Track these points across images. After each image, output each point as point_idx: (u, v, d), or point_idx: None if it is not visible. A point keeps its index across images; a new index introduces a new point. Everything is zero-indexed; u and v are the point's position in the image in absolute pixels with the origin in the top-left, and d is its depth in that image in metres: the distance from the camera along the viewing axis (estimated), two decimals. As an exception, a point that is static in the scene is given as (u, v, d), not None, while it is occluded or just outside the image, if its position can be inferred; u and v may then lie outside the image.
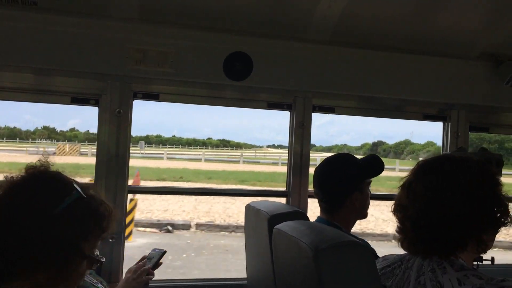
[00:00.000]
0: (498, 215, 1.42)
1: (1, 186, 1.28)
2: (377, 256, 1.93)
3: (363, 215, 2.29)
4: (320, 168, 2.30)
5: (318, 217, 2.30)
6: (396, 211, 1.52)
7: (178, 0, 2.35)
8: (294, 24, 2.55)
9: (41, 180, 1.30)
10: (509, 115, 3.02)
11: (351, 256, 1.38)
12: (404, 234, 1.48)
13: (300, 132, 2.76)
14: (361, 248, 1.39)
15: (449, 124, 3.02)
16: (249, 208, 2.43)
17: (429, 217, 1.41)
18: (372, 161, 2.32)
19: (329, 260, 1.35)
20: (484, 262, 2.16)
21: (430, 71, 2.80)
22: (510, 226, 1.44)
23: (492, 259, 2.28)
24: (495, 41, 2.74)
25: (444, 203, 1.40)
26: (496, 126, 3.17)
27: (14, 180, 1.29)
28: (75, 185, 1.31)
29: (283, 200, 2.81)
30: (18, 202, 1.23)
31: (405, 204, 1.46)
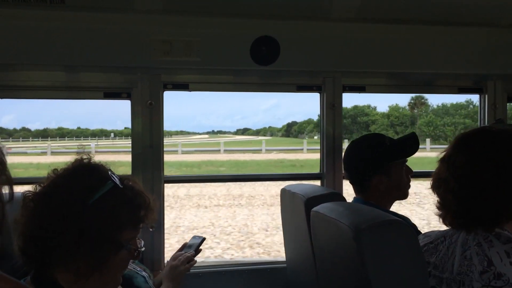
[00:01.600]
0: None
1: (48, 178, 1.33)
2: (419, 232, 1.91)
3: (401, 195, 2.25)
4: (346, 150, 2.33)
5: (354, 197, 2.29)
6: (435, 186, 1.51)
7: None
8: (318, 4, 2.50)
9: (79, 172, 1.33)
10: None
11: (392, 235, 1.37)
12: (446, 209, 1.47)
13: (332, 113, 2.73)
14: (402, 225, 1.38)
15: (486, 96, 2.92)
16: (284, 192, 2.43)
17: (471, 188, 1.40)
18: (403, 141, 2.29)
19: (370, 239, 1.34)
20: None
21: (461, 42, 2.71)
22: None
23: None
24: None
25: (484, 173, 1.39)
26: None
27: (58, 172, 1.33)
28: (112, 176, 1.33)
29: (317, 183, 2.80)
30: (57, 193, 1.28)
31: (446, 177, 1.45)
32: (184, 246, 2.32)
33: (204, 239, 2.34)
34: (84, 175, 1.32)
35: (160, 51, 2.41)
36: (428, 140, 31.13)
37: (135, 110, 2.53)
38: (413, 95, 36.99)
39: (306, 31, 2.56)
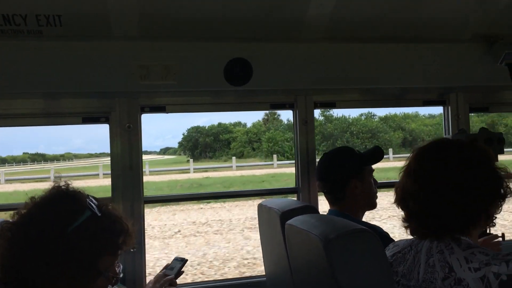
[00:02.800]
0: (498, 187, 1.50)
1: (26, 205, 1.36)
2: (391, 239, 2.00)
3: (371, 204, 2.39)
4: (320, 162, 2.48)
5: (330, 209, 2.41)
6: (402, 200, 1.57)
7: (174, 15, 2.44)
8: (288, 25, 2.62)
9: (57, 200, 1.35)
10: (506, 93, 3.07)
11: (360, 243, 1.44)
12: (414, 220, 1.53)
13: (304, 129, 2.84)
14: (369, 234, 1.45)
15: (449, 107, 3.07)
16: (261, 207, 2.51)
17: (439, 199, 1.46)
18: (371, 149, 2.48)
19: (339, 248, 1.42)
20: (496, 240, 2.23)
21: (425, 57, 2.84)
22: (509, 197, 1.53)
23: (503, 235, 2.35)
24: (485, 22, 2.78)
25: (452, 185, 1.46)
26: (495, 105, 3.21)
27: (35, 200, 1.36)
28: (90, 203, 1.35)
29: (294, 197, 2.89)
30: (34, 223, 1.29)
31: (414, 190, 1.51)
32: (166, 268, 2.33)
33: (186, 260, 2.34)
34: (61, 204, 1.34)
35: (138, 75, 2.48)
36: (275, 156, 30.24)
37: (114, 133, 2.59)
38: (268, 111, 35.58)
39: (277, 52, 2.66)
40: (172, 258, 2.38)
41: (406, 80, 2.86)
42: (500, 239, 2.29)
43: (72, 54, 2.40)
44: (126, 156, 2.59)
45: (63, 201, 1.35)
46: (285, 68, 2.67)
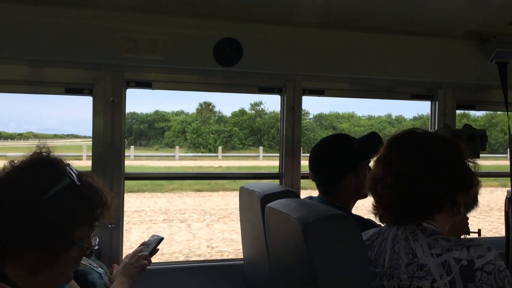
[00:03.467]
0: (464, 178, 1.52)
1: (4, 169, 1.32)
2: (377, 225, 1.98)
3: (363, 195, 2.25)
4: (314, 151, 2.29)
5: (320, 198, 2.27)
6: (372, 187, 1.58)
7: None
8: (282, 9, 2.59)
9: (36, 165, 1.32)
10: (494, 92, 3.08)
11: (338, 228, 1.44)
12: (383, 206, 1.55)
13: (291, 115, 2.82)
14: (348, 220, 1.45)
15: (437, 102, 3.08)
16: (242, 190, 2.50)
17: (405, 183, 1.49)
18: (367, 140, 2.28)
19: (317, 232, 1.41)
20: (471, 235, 2.25)
21: (417, 51, 2.85)
22: (477, 186, 1.57)
23: (479, 231, 2.38)
24: (479, 19, 2.79)
25: (416, 169, 1.49)
26: (482, 103, 3.24)
27: (14, 164, 1.32)
28: (70, 171, 1.32)
29: (276, 182, 2.88)
30: (11, 186, 1.26)
31: (383, 175, 1.53)
32: (143, 245, 2.34)
33: (162, 238, 2.36)
34: (41, 169, 1.31)
35: (124, 48, 2.43)
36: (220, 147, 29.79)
37: (97, 107, 2.54)
38: (202, 101, 35.00)
39: (268, 35, 2.63)
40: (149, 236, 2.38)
41: (395, 73, 2.86)
42: (476, 235, 2.31)
43: (58, 21, 2.33)
44: (108, 131, 2.54)
45: (42, 167, 1.32)
46: (275, 51, 2.65)
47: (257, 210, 2.16)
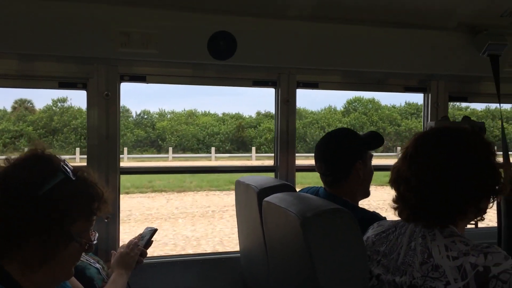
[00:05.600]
0: (493, 183, 1.48)
1: (0, 166, 1.32)
2: (383, 218, 2.01)
3: (366, 192, 2.30)
4: (322, 142, 2.32)
5: (325, 191, 2.29)
6: (395, 182, 1.55)
7: None
8: (276, 2, 2.58)
9: (31, 162, 1.32)
10: (486, 84, 3.11)
11: (336, 223, 1.45)
12: (404, 204, 1.52)
13: (286, 108, 2.82)
14: (346, 214, 1.46)
15: (429, 94, 3.10)
16: (238, 184, 2.51)
17: (432, 187, 1.45)
18: (371, 135, 2.37)
19: (316, 227, 1.43)
20: (468, 226, 2.29)
21: (410, 43, 2.85)
22: (504, 194, 1.51)
23: (476, 223, 2.41)
24: (471, 12, 2.79)
25: (446, 173, 1.44)
26: (474, 95, 3.26)
27: (11, 161, 1.32)
28: (64, 167, 1.32)
29: (271, 175, 2.89)
30: (6, 183, 1.26)
31: (408, 176, 1.49)
32: (138, 237, 2.35)
33: (155, 230, 2.38)
34: (34, 165, 1.31)
35: (118, 42, 2.41)
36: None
37: (91, 101, 2.52)
38: (17, 98, 29.53)
39: (262, 28, 2.62)
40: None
41: (387, 65, 2.86)
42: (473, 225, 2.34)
43: (50, 14, 2.30)
44: (103, 125, 2.53)
45: (36, 163, 1.32)
46: (270, 45, 2.64)
47: (253, 204, 2.17)
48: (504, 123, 2.85)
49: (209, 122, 30.48)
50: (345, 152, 2.25)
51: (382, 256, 1.54)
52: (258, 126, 30.28)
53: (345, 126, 23.62)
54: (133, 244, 2.23)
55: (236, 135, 30.24)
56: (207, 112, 32.11)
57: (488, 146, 1.52)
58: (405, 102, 31.87)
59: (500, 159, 1.56)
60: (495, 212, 2.69)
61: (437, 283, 1.35)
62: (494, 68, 2.81)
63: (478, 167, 1.46)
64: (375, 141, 2.33)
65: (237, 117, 31.41)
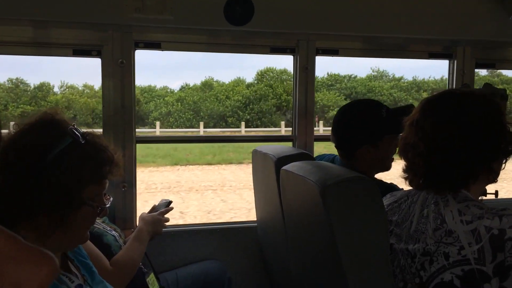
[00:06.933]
0: (504, 143, 1.44)
1: (9, 133, 1.30)
2: (399, 188, 1.93)
3: (384, 168, 2.16)
4: (339, 112, 2.18)
5: (339, 158, 2.21)
6: (403, 151, 1.53)
7: None
8: None
9: (39, 127, 1.30)
10: None
11: (357, 191, 1.40)
12: (414, 172, 1.50)
13: (304, 76, 2.74)
14: (367, 182, 1.41)
15: (455, 61, 2.98)
16: (256, 153, 2.47)
17: (440, 152, 1.42)
18: (401, 112, 1.95)
19: (336, 195, 1.38)
20: (488, 196, 2.22)
21: (434, 7, 2.73)
22: None
23: (496, 192, 2.33)
24: None
25: (453, 136, 1.41)
26: (502, 62, 3.12)
27: (21, 126, 1.30)
28: (72, 130, 1.29)
29: (289, 144, 2.85)
30: (15, 145, 1.25)
31: (415, 142, 1.47)
32: (153, 209, 2.40)
33: (170, 202, 2.42)
34: (43, 130, 1.29)
35: (131, 7, 2.35)
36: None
37: (106, 70, 2.48)
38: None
39: None
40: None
41: (410, 30, 2.75)
42: (493, 196, 2.28)
43: None
44: (118, 94, 2.49)
45: (45, 127, 1.29)
46: (288, 10, 2.55)
47: (271, 173, 2.13)
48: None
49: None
50: (355, 132, 2.08)
51: (395, 225, 1.52)
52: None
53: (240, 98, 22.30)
54: (160, 213, 2.30)
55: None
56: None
57: (496, 107, 1.48)
58: (327, 74, 26.38)
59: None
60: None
61: (450, 248, 1.32)
62: None
63: (486, 128, 1.42)
64: (399, 123, 1.81)
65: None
